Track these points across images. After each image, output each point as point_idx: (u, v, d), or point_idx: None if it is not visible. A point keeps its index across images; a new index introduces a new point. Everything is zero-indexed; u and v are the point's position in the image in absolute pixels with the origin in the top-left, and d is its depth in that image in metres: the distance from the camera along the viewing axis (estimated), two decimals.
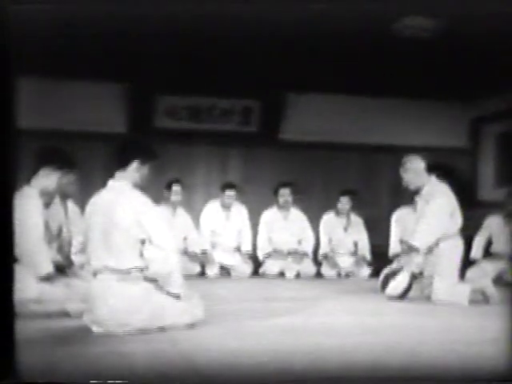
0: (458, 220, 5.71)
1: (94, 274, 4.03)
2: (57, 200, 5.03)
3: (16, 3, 2.99)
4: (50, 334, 3.92)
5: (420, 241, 5.59)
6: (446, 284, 5.53)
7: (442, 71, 7.48)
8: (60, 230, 5.02)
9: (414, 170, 5.72)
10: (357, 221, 8.17)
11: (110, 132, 8.24)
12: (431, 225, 5.59)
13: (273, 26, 5.79)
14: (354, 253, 8.08)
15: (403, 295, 5.64)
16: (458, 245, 5.75)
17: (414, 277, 5.64)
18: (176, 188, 7.59)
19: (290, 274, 7.69)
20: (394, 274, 5.76)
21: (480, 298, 5.55)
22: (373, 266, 7.74)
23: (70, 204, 5.58)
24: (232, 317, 4.56)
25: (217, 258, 7.73)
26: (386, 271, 5.91)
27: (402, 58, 7.01)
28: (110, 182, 4.15)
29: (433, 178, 5.75)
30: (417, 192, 5.81)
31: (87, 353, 3.47)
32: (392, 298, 5.63)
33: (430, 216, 5.59)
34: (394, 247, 7.93)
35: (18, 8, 2.99)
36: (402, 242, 7.52)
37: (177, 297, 4.08)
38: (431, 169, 5.79)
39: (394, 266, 6.05)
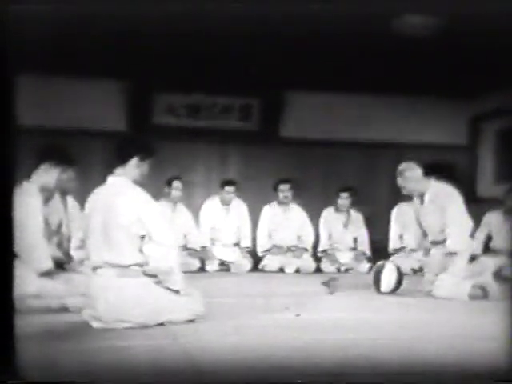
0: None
1: (94, 269, 4.05)
2: (56, 196, 5.05)
3: (16, 3, 3.00)
4: (50, 329, 3.93)
5: (461, 245, 5.64)
6: (449, 280, 5.55)
7: (441, 69, 7.47)
8: (59, 226, 5.04)
9: (414, 177, 5.74)
10: (356, 217, 8.17)
11: (110, 129, 8.24)
12: (463, 227, 5.69)
13: (272, 24, 5.79)
14: (354, 248, 8.10)
15: (396, 288, 5.73)
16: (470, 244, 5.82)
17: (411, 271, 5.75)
18: (176, 184, 7.60)
19: (289, 270, 7.70)
20: (381, 270, 5.85)
21: (480, 294, 5.57)
22: (372, 261, 7.74)
23: (70, 200, 5.58)
24: (231, 312, 4.58)
25: (216, 254, 7.74)
26: (374, 270, 5.96)
27: (402, 56, 7.01)
28: (110, 179, 4.16)
29: (432, 181, 5.78)
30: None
31: (87, 348, 3.48)
32: (387, 293, 5.70)
33: (458, 219, 5.67)
34: (393, 243, 7.98)
35: (18, 8, 3.00)
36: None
37: (177, 292, 4.10)
38: (429, 168, 5.83)
39: (380, 263, 6.09)
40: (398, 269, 5.79)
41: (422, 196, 5.79)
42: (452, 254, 5.61)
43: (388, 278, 5.72)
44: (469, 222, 5.74)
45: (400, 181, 5.77)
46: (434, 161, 6.90)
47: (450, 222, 5.64)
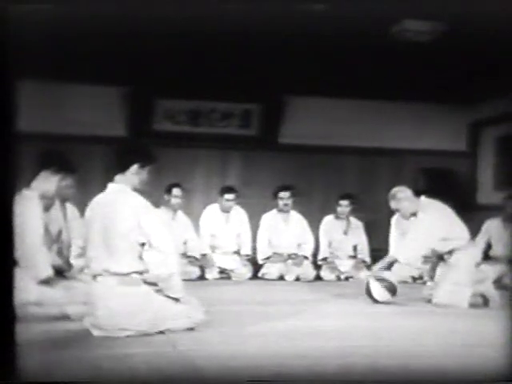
0: (462, 229, 5.78)
1: (94, 277, 4.04)
2: (56, 203, 5.04)
3: (16, 3, 3.00)
4: (51, 336, 3.92)
5: (404, 256, 5.78)
6: (449, 288, 5.55)
7: (441, 74, 7.49)
8: (59, 234, 5.03)
9: (406, 198, 5.83)
10: (356, 224, 8.16)
11: (110, 135, 8.25)
12: (415, 240, 5.72)
13: (273, 30, 5.81)
14: (354, 256, 8.08)
15: (393, 294, 5.68)
16: (473, 254, 5.82)
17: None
18: (176, 192, 7.58)
19: (289, 278, 7.68)
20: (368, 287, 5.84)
21: (480, 302, 5.59)
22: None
23: (70, 207, 5.58)
24: (232, 320, 4.57)
25: (216, 262, 7.72)
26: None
27: (402, 62, 7.03)
28: (110, 186, 4.16)
29: (422, 199, 5.83)
30: None
31: (88, 356, 3.47)
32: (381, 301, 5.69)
33: (414, 232, 5.77)
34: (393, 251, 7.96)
35: (18, 8, 3.00)
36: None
37: (177, 300, 4.09)
38: (427, 173, 5.90)
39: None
40: (383, 279, 5.74)
41: (415, 215, 5.84)
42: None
43: (378, 291, 5.70)
44: (426, 239, 5.69)
45: (393, 204, 5.89)
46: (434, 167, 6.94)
47: (410, 231, 5.80)
